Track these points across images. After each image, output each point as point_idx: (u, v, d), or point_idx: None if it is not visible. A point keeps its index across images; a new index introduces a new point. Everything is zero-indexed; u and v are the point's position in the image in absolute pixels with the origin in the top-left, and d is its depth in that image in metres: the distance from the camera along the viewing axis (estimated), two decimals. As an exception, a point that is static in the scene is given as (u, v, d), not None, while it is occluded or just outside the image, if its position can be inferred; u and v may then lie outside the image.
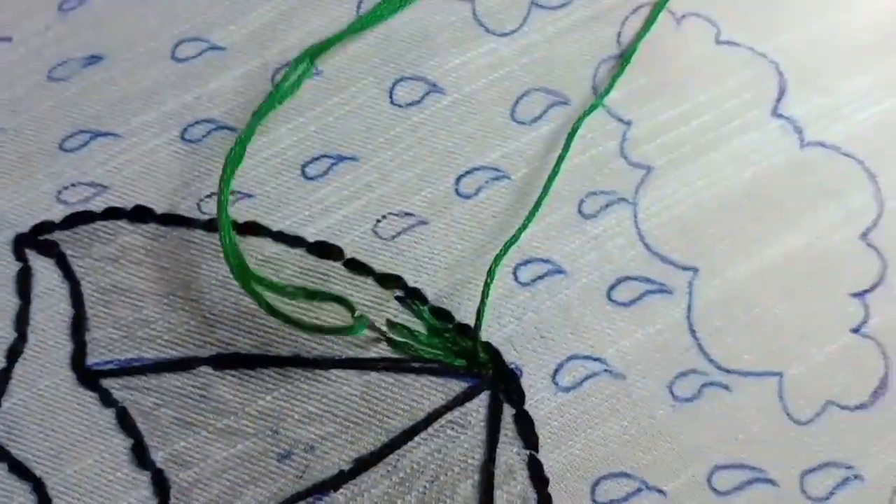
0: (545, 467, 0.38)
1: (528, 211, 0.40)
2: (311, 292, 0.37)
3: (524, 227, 0.39)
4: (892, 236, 0.41)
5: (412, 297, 0.40)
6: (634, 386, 0.39)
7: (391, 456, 0.38)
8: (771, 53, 0.43)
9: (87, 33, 0.44)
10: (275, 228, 0.41)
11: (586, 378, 0.39)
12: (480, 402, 0.39)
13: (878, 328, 0.39)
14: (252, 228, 0.40)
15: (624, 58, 0.42)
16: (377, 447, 0.38)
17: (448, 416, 0.38)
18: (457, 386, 0.39)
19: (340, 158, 0.42)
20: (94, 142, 0.42)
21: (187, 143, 0.42)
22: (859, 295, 0.40)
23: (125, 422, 0.38)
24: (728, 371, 0.39)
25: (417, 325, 0.39)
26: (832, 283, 0.40)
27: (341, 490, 0.37)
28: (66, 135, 0.42)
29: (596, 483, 0.38)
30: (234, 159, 0.39)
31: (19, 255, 0.40)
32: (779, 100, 0.42)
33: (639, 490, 0.38)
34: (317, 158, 0.42)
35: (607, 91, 0.42)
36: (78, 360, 0.39)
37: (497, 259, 0.38)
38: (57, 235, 0.41)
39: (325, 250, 0.40)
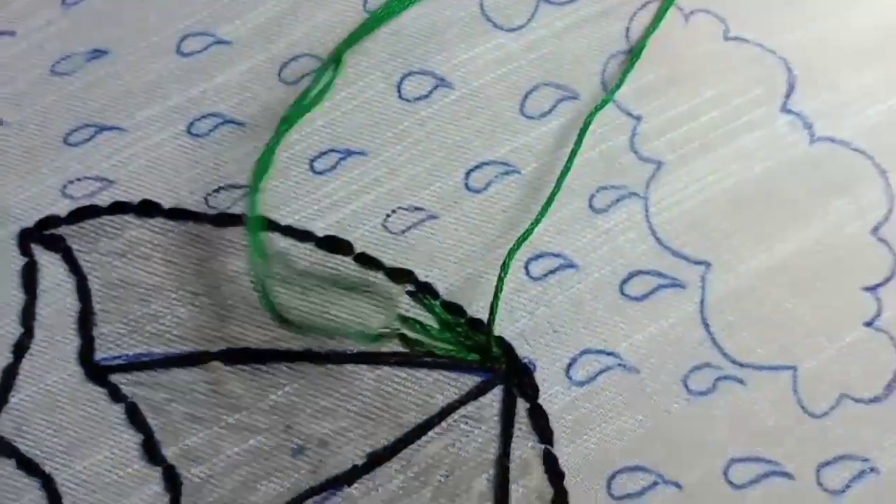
0: (560, 461, 0.38)
1: (538, 205, 0.41)
2: (336, 282, 0.37)
3: (537, 221, 0.39)
4: (903, 231, 0.41)
5: (423, 291, 0.40)
6: (649, 380, 0.39)
7: (405, 451, 0.38)
8: (780, 50, 0.44)
9: (90, 28, 0.44)
10: (283, 223, 0.41)
11: (600, 372, 0.39)
12: (494, 397, 0.39)
13: (890, 322, 0.40)
14: (261, 223, 0.41)
15: (633, 53, 0.43)
16: (391, 442, 0.38)
17: (462, 410, 0.39)
18: (470, 380, 0.39)
19: (349, 153, 0.42)
20: (100, 136, 0.42)
21: (194, 137, 0.42)
22: (871, 289, 0.41)
23: (135, 417, 0.38)
24: (742, 365, 0.40)
25: (429, 320, 0.40)
26: (844, 278, 0.41)
27: (355, 485, 0.38)
28: (70, 129, 0.42)
29: (612, 477, 0.38)
30: (261, 170, 0.39)
31: (24, 249, 0.40)
32: (788, 96, 0.43)
33: (655, 483, 0.38)
34: (325, 153, 0.42)
35: (618, 86, 0.42)
36: (86, 356, 0.39)
37: (511, 253, 0.39)
38: (63, 230, 0.41)
39: (334, 245, 0.41)
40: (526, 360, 0.39)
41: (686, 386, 0.39)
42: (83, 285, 0.40)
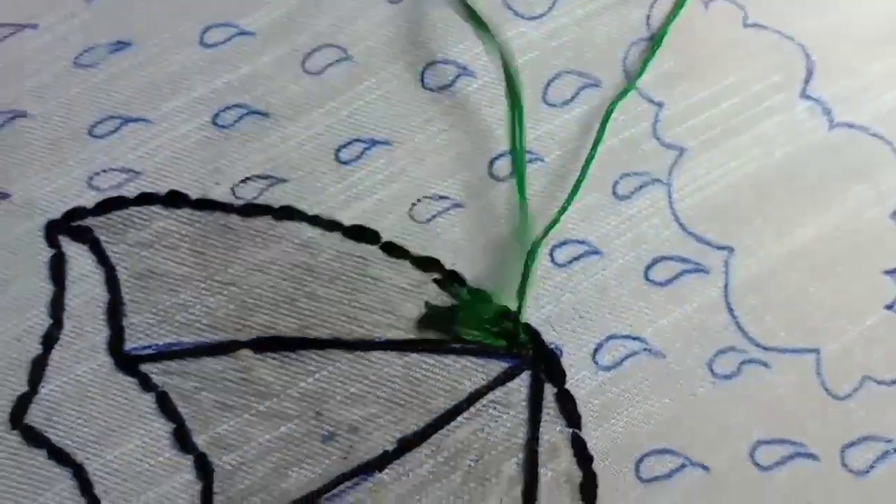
0: (588, 445, 0.38)
1: (562, 193, 0.41)
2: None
3: (563, 209, 0.40)
4: (922, 215, 0.41)
5: (450, 279, 0.40)
6: (674, 364, 0.39)
7: (435, 436, 0.38)
8: (798, 36, 0.44)
9: (113, 20, 0.44)
10: (311, 213, 0.41)
11: (626, 357, 0.40)
12: (521, 382, 0.39)
13: (912, 304, 0.40)
14: (288, 213, 0.41)
15: (654, 41, 0.43)
16: (420, 427, 0.38)
17: (490, 395, 0.39)
18: (497, 366, 0.39)
19: (374, 142, 0.42)
20: (125, 128, 0.42)
21: (219, 128, 0.42)
22: (892, 272, 0.41)
23: (165, 406, 0.38)
24: (766, 348, 0.40)
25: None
26: (864, 262, 0.41)
27: (386, 470, 0.38)
28: (95, 121, 0.42)
29: (640, 460, 0.38)
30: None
31: (52, 241, 0.40)
32: (807, 82, 0.43)
33: (682, 466, 0.38)
34: (350, 143, 0.42)
35: (640, 74, 0.42)
36: (115, 346, 0.39)
37: (538, 241, 0.39)
38: (90, 221, 0.41)
39: (361, 234, 0.41)
40: (552, 346, 0.39)
41: (711, 370, 0.39)
42: (111, 276, 0.40)
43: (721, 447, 0.39)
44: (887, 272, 0.41)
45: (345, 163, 0.42)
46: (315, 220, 0.41)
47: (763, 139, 0.42)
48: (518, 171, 0.40)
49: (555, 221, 0.39)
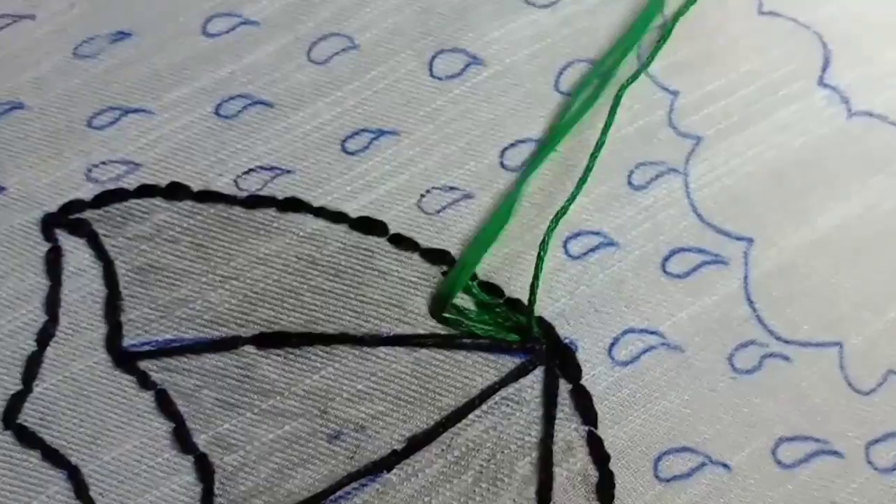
0: (605, 443, 0.36)
1: (574, 183, 0.38)
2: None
3: (573, 198, 0.37)
4: (944, 205, 0.39)
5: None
6: (693, 359, 0.37)
7: (445, 434, 0.36)
8: (814, 24, 0.42)
9: (113, 10, 0.42)
10: (316, 204, 0.39)
11: (644, 352, 0.37)
12: (535, 378, 0.37)
13: (936, 296, 0.38)
14: (293, 205, 0.39)
15: (667, 27, 0.41)
16: (430, 425, 0.36)
17: (502, 392, 0.37)
18: (510, 362, 0.37)
19: (381, 133, 0.40)
20: (125, 119, 0.40)
21: (222, 118, 0.40)
22: (917, 262, 0.39)
23: (165, 405, 0.36)
24: (788, 342, 0.37)
25: (467, 301, 0.37)
26: (887, 252, 0.39)
27: (395, 470, 0.35)
28: (94, 112, 0.40)
29: (658, 458, 0.36)
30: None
31: (48, 235, 0.38)
32: (824, 69, 0.41)
33: (703, 465, 0.36)
34: (357, 133, 0.40)
35: (648, 62, 0.40)
36: (113, 342, 0.37)
37: (549, 231, 0.36)
38: (88, 214, 0.38)
39: (368, 226, 0.38)
40: (567, 341, 0.37)
41: (732, 364, 0.37)
42: (110, 270, 0.38)
43: (742, 445, 0.36)
44: (911, 263, 0.39)
45: (351, 153, 0.39)
46: (320, 212, 0.38)
47: (781, 128, 0.40)
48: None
49: (563, 210, 0.37)
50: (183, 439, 0.36)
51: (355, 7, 0.42)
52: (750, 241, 0.38)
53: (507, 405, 0.36)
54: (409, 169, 0.39)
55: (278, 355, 0.37)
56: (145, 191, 0.39)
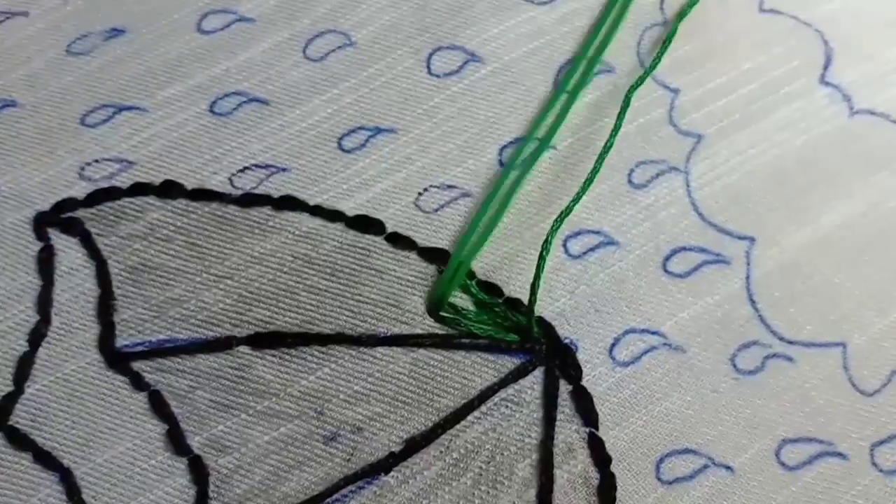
0: (606, 445, 0.35)
1: (574, 181, 0.38)
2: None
3: (577, 198, 0.36)
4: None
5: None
6: (695, 359, 0.36)
7: (443, 436, 0.35)
8: (815, 22, 0.41)
9: (106, 6, 0.40)
10: (312, 203, 0.37)
11: (645, 352, 0.36)
12: (535, 379, 0.36)
13: (940, 295, 0.37)
14: (288, 203, 0.37)
15: (672, 27, 0.40)
16: (428, 427, 0.35)
17: (501, 393, 0.35)
18: (509, 362, 0.36)
19: (378, 130, 0.39)
20: (119, 116, 0.38)
21: (217, 116, 0.39)
22: (920, 262, 0.37)
23: (158, 406, 0.35)
24: (791, 342, 0.36)
25: (465, 301, 0.36)
26: (890, 251, 0.38)
27: (392, 472, 0.34)
28: (87, 110, 0.39)
29: (660, 460, 0.35)
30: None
31: (40, 234, 0.37)
32: (826, 68, 0.40)
33: (705, 467, 0.35)
34: (353, 131, 0.39)
35: (657, 62, 0.39)
36: (106, 343, 0.35)
37: (552, 231, 0.35)
38: (81, 213, 0.37)
39: (365, 224, 0.37)
40: (567, 341, 0.36)
41: (734, 365, 0.36)
42: (102, 270, 0.36)
43: (745, 447, 0.35)
44: (914, 262, 0.37)
45: (348, 151, 0.38)
46: (316, 211, 0.37)
47: (783, 126, 0.39)
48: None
49: (568, 210, 0.35)
50: (177, 441, 0.34)
51: (352, 4, 0.40)
52: (752, 240, 0.37)
53: (507, 406, 0.35)
54: (406, 167, 0.38)
55: (273, 356, 0.35)
56: (139, 189, 0.37)
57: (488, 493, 0.34)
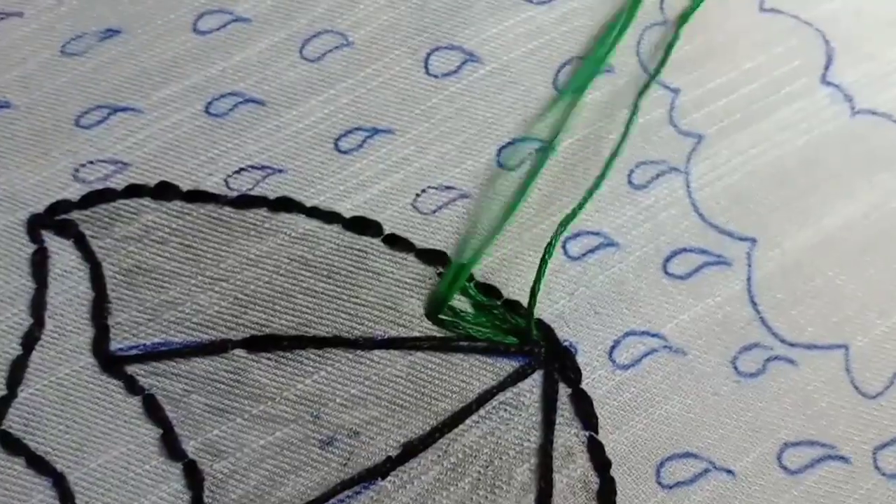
0: (606, 449, 0.34)
1: (574, 183, 0.37)
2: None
3: (582, 204, 0.35)
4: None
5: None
6: (696, 362, 0.35)
7: (441, 440, 0.34)
8: (815, 21, 0.40)
9: (101, 7, 0.40)
10: (308, 204, 0.37)
11: (645, 355, 0.35)
12: (534, 382, 0.35)
13: (944, 297, 0.36)
14: (284, 204, 0.37)
15: (676, 29, 0.39)
16: (426, 431, 0.34)
17: (500, 397, 0.35)
18: (508, 365, 0.35)
19: (375, 131, 0.38)
20: (114, 117, 0.38)
21: (212, 117, 0.38)
22: (924, 263, 0.37)
23: (153, 410, 0.34)
24: (792, 344, 0.36)
25: (463, 303, 0.36)
26: (892, 252, 0.37)
27: (389, 477, 0.34)
28: (82, 110, 0.38)
29: (661, 464, 0.34)
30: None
31: (34, 236, 0.36)
32: (827, 67, 0.40)
33: (706, 471, 0.34)
34: (350, 131, 0.38)
35: (659, 69, 0.38)
36: (100, 346, 0.35)
37: (556, 236, 0.35)
38: (75, 215, 0.36)
39: (362, 226, 0.37)
40: (566, 343, 0.35)
41: (735, 367, 0.35)
42: (97, 272, 0.36)
43: (747, 450, 0.34)
44: (917, 263, 0.37)
45: (344, 152, 0.37)
46: (313, 212, 0.36)
47: (784, 126, 0.38)
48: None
49: (573, 214, 0.35)
50: (171, 446, 0.34)
51: (349, 3, 0.40)
52: (753, 241, 0.37)
53: (506, 410, 0.34)
54: (403, 168, 0.37)
55: (269, 359, 0.35)
56: (133, 191, 0.37)
57: (487, 497, 0.33)
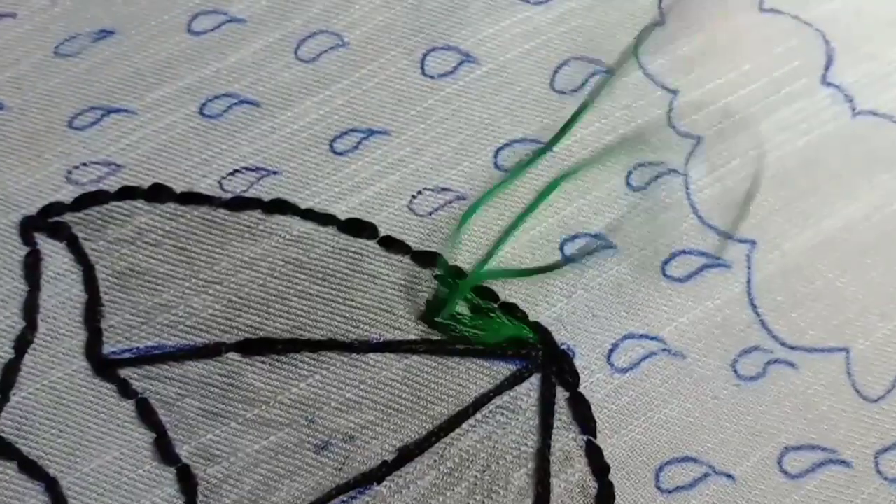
0: (604, 454, 0.34)
1: (570, 184, 0.37)
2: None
3: (501, 242, 0.35)
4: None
5: (453, 275, 0.35)
6: (695, 365, 0.35)
7: (437, 444, 0.34)
8: (815, 22, 0.40)
9: (95, 8, 0.39)
10: (303, 206, 0.36)
11: (644, 358, 0.35)
12: (531, 386, 0.35)
13: (946, 299, 0.36)
14: (279, 206, 0.36)
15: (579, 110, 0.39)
16: (422, 435, 0.34)
17: (497, 400, 0.34)
18: (504, 369, 0.35)
19: (371, 132, 0.38)
20: (107, 119, 0.38)
21: (207, 118, 0.38)
22: (925, 265, 0.36)
23: (146, 414, 0.34)
24: (793, 348, 0.35)
25: (460, 306, 0.35)
26: (893, 254, 0.37)
27: (385, 482, 0.33)
28: (75, 112, 0.38)
29: (660, 469, 0.34)
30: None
31: (27, 238, 0.36)
32: (827, 68, 0.39)
33: (706, 475, 0.34)
34: (346, 133, 0.38)
35: (555, 140, 0.38)
36: (93, 349, 0.35)
37: (473, 276, 0.34)
38: (68, 217, 0.36)
39: (358, 228, 0.36)
40: (564, 347, 0.35)
41: (735, 371, 0.35)
42: (90, 275, 0.36)
43: (747, 454, 0.34)
44: (920, 265, 0.36)
45: (340, 154, 0.37)
46: (308, 214, 0.36)
47: (784, 127, 0.38)
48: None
49: (490, 255, 0.34)
50: (165, 450, 0.33)
51: (344, 4, 0.39)
52: (753, 243, 0.36)
53: (503, 414, 0.34)
54: (399, 169, 0.37)
55: (264, 362, 0.34)
56: (127, 193, 0.37)
57: (483, 502, 0.33)
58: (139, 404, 0.34)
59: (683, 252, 0.36)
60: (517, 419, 0.34)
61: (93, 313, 0.35)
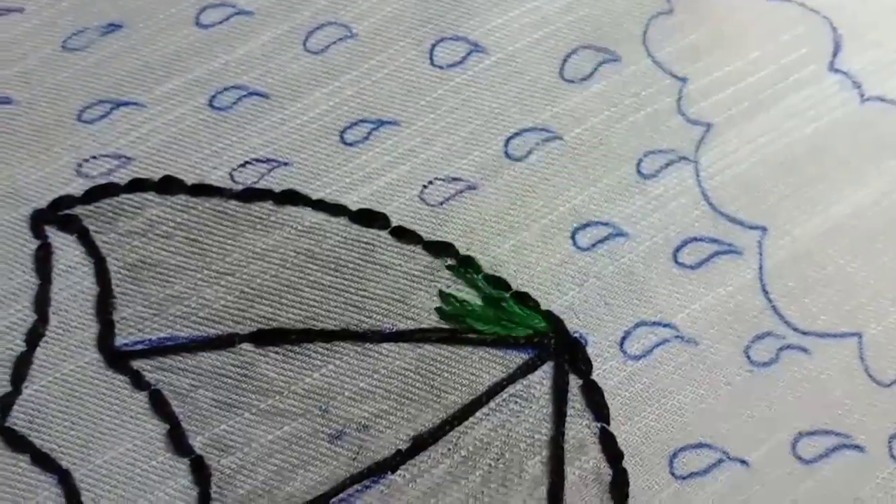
0: (618, 440, 0.34)
1: (581, 173, 0.37)
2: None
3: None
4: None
5: (465, 265, 0.35)
6: (708, 352, 0.35)
7: (451, 433, 0.34)
8: (822, 9, 0.40)
9: (102, 2, 0.39)
10: (314, 197, 0.36)
11: (656, 345, 0.35)
12: (544, 374, 0.34)
13: (957, 283, 0.36)
14: (290, 197, 0.36)
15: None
16: (436, 424, 0.34)
17: (510, 389, 0.34)
18: (517, 357, 0.35)
19: (381, 123, 0.38)
20: (116, 112, 0.38)
21: (216, 110, 0.38)
22: (936, 249, 0.36)
23: (159, 405, 0.34)
24: (805, 333, 0.35)
25: (472, 295, 0.35)
26: (905, 239, 0.37)
27: (399, 471, 0.33)
28: (84, 105, 0.38)
29: (674, 455, 0.34)
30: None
31: (38, 232, 0.36)
32: (835, 55, 0.39)
33: (720, 461, 0.34)
34: (355, 123, 0.38)
35: None
36: (105, 341, 0.34)
37: None
38: (78, 210, 0.36)
39: (369, 218, 0.36)
40: (577, 335, 0.35)
41: (748, 357, 0.35)
42: (101, 267, 0.35)
43: (761, 440, 0.34)
44: (930, 249, 0.36)
45: (350, 144, 0.37)
46: (319, 205, 0.36)
47: (793, 114, 0.38)
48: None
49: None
50: (178, 441, 0.33)
51: (351, -4, 0.39)
52: (763, 229, 0.36)
53: (516, 402, 0.34)
54: (410, 160, 0.37)
55: (277, 353, 0.34)
56: (137, 185, 0.36)
57: (498, 490, 0.33)
58: (152, 396, 0.34)
59: (695, 239, 0.36)
60: (531, 407, 0.34)
61: (105, 305, 0.35)
